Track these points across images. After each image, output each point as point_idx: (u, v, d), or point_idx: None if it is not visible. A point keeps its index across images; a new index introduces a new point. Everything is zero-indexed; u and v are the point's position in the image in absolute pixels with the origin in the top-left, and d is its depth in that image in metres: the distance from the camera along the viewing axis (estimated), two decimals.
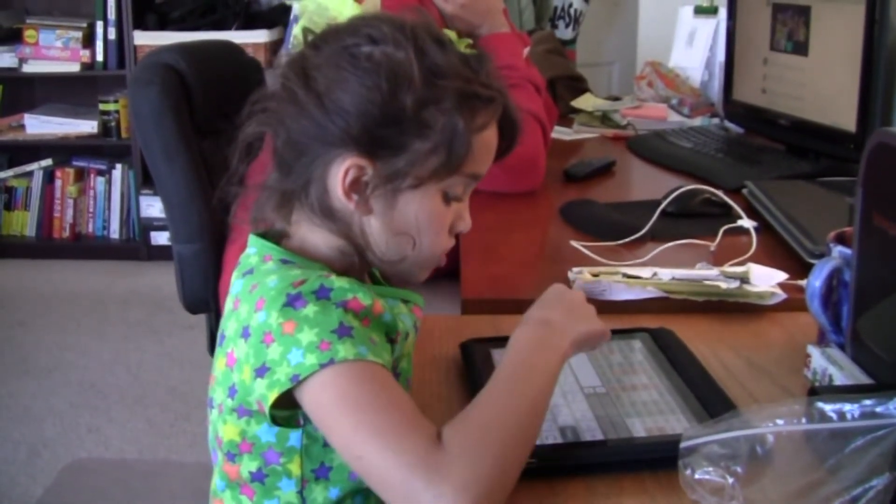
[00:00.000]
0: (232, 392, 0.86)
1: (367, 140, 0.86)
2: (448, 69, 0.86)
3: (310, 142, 0.88)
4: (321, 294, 0.81)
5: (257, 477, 0.88)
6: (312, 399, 0.79)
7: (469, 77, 0.87)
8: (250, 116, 0.92)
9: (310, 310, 0.80)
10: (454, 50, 0.89)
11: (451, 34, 0.91)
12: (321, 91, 0.86)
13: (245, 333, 0.83)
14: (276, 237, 0.93)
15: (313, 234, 0.91)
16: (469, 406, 0.79)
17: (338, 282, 0.82)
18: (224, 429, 0.89)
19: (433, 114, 0.85)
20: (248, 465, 0.88)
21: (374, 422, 0.76)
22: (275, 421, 0.83)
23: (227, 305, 0.89)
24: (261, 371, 0.81)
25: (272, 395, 0.79)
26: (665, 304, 1.20)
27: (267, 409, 0.81)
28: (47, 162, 4.11)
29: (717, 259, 1.34)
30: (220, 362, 0.89)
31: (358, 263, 0.92)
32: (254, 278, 0.87)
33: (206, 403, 0.94)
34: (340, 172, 0.86)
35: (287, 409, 0.83)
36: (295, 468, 0.87)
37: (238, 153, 0.93)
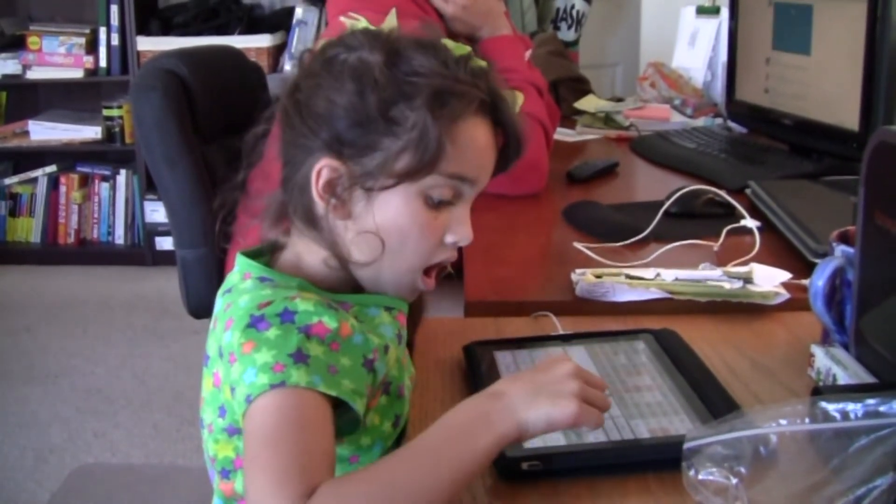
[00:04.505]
0: (222, 412, 0.87)
1: (339, 141, 0.86)
2: (422, 68, 0.86)
3: (293, 150, 0.89)
4: (285, 318, 0.81)
5: None
6: (247, 414, 0.77)
7: (444, 74, 0.86)
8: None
9: (271, 332, 0.80)
10: (437, 52, 0.88)
11: (450, 43, 0.91)
12: (301, 100, 0.88)
13: (221, 353, 0.83)
14: (269, 252, 0.94)
15: (303, 247, 0.92)
16: (369, 465, 0.76)
17: (302, 305, 0.82)
18: (216, 448, 0.89)
19: (403, 112, 0.85)
20: (242, 481, 0.88)
21: (267, 458, 0.73)
22: None
23: (210, 325, 0.90)
24: (233, 391, 0.81)
25: (241, 416, 0.79)
26: (668, 305, 1.20)
27: None
28: (51, 168, 4.12)
29: (721, 259, 1.34)
30: (207, 382, 0.89)
31: (344, 276, 0.92)
32: (230, 297, 0.87)
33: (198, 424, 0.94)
34: (314, 174, 0.87)
35: None
36: None
37: (245, 167, 0.94)
